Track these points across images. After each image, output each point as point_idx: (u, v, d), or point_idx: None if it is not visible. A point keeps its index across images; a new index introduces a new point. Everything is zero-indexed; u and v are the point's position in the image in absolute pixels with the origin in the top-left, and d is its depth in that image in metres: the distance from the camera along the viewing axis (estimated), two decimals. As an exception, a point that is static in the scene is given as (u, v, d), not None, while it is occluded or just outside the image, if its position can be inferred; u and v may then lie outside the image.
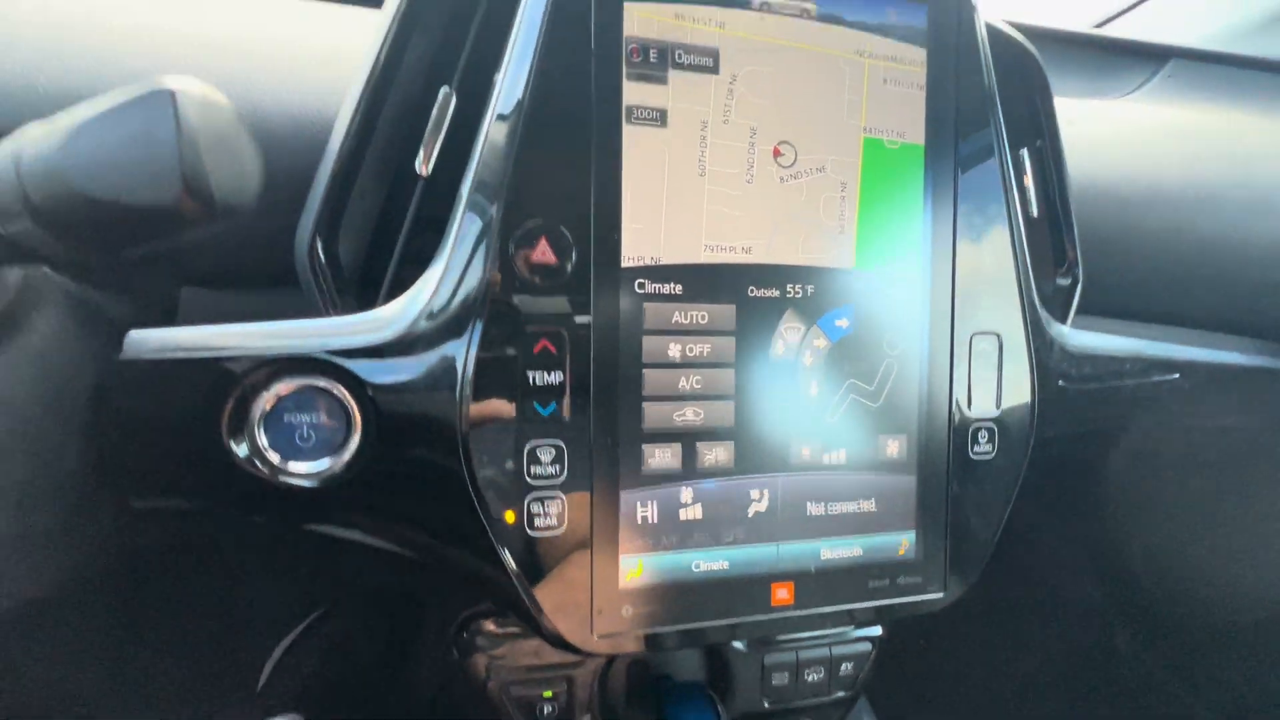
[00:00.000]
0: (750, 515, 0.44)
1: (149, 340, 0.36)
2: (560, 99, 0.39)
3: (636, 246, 0.40)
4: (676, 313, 0.41)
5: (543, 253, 0.39)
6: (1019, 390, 0.49)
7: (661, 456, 0.42)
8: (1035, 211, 0.53)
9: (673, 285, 0.41)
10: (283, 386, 0.38)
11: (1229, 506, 0.77)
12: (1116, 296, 0.64)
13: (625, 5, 0.40)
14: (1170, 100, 0.84)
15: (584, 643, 0.41)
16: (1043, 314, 0.51)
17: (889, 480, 0.46)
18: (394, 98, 0.41)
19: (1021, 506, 0.51)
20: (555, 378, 0.39)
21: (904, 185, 0.46)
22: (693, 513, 0.43)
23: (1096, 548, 0.86)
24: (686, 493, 0.42)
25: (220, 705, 0.65)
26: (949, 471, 0.47)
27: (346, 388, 0.38)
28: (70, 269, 0.30)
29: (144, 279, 0.37)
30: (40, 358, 0.33)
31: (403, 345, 0.38)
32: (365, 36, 0.47)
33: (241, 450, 0.37)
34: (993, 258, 0.48)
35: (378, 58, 0.40)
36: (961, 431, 0.48)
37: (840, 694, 0.56)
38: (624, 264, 0.40)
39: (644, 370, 0.41)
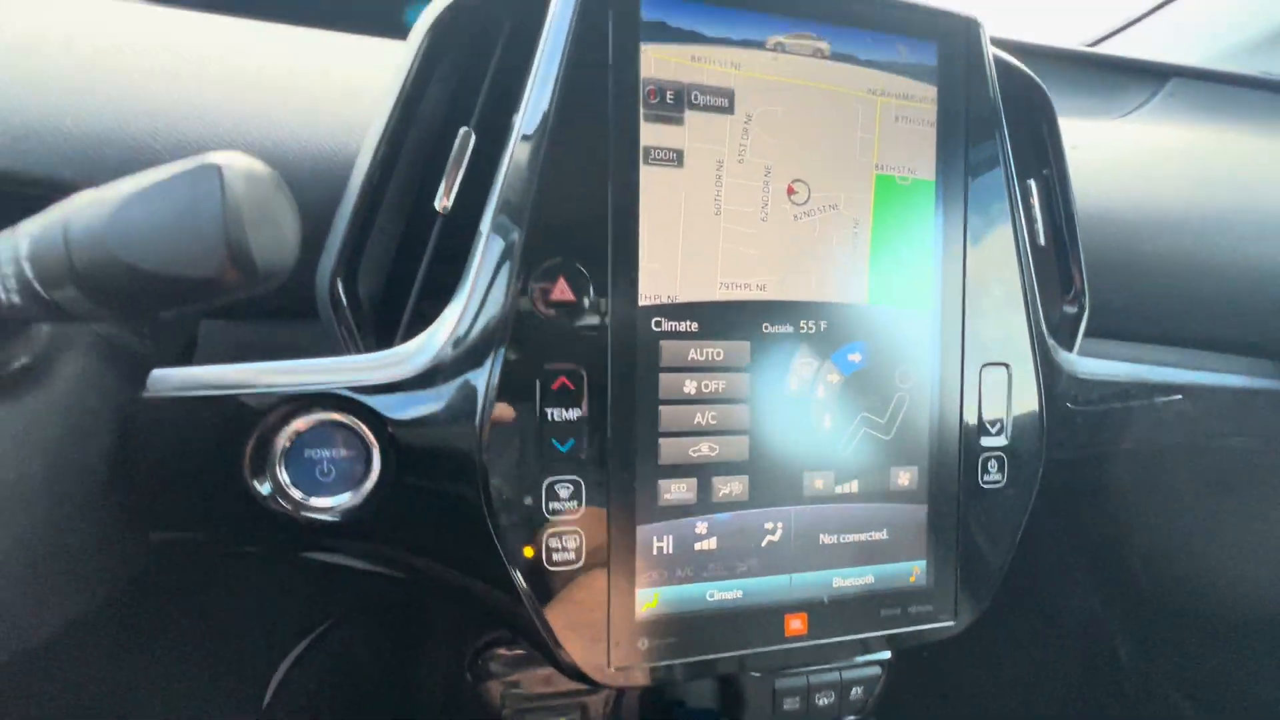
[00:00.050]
0: (764, 546, 0.44)
1: (172, 379, 0.37)
2: (578, 140, 0.39)
3: (653, 285, 0.41)
4: (692, 350, 0.42)
5: (561, 291, 0.39)
6: (1028, 419, 0.50)
7: (677, 490, 0.42)
8: (1042, 240, 0.54)
9: (689, 323, 0.42)
10: (305, 423, 0.38)
11: (1235, 524, 0.78)
12: (1123, 320, 0.65)
13: (642, 47, 0.40)
14: (1172, 120, 0.85)
15: (600, 674, 0.42)
16: (1051, 343, 0.51)
17: (900, 510, 0.47)
18: (413, 137, 0.42)
19: (1030, 528, 0.51)
20: (573, 414, 0.40)
21: (915, 221, 0.46)
22: (708, 544, 0.43)
23: (1104, 567, 0.87)
24: (702, 525, 0.43)
25: (226, 720, 0.66)
26: (959, 500, 0.48)
27: (367, 424, 0.39)
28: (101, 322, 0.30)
29: (166, 317, 0.38)
30: (67, 399, 0.34)
31: (423, 382, 0.39)
32: (384, 68, 0.48)
33: (264, 488, 0.38)
34: (1002, 290, 0.48)
35: (398, 99, 0.40)
36: (972, 461, 0.48)
37: (851, 718, 0.56)
38: (641, 302, 0.41)
39: (660, 406, 0.42)
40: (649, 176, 0.41)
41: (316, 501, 0.39)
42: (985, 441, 0.48)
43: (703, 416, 0.42)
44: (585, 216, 0.40)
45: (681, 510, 0.42)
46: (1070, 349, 0.55)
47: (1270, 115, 0.87)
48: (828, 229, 0.44)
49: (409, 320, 0.43)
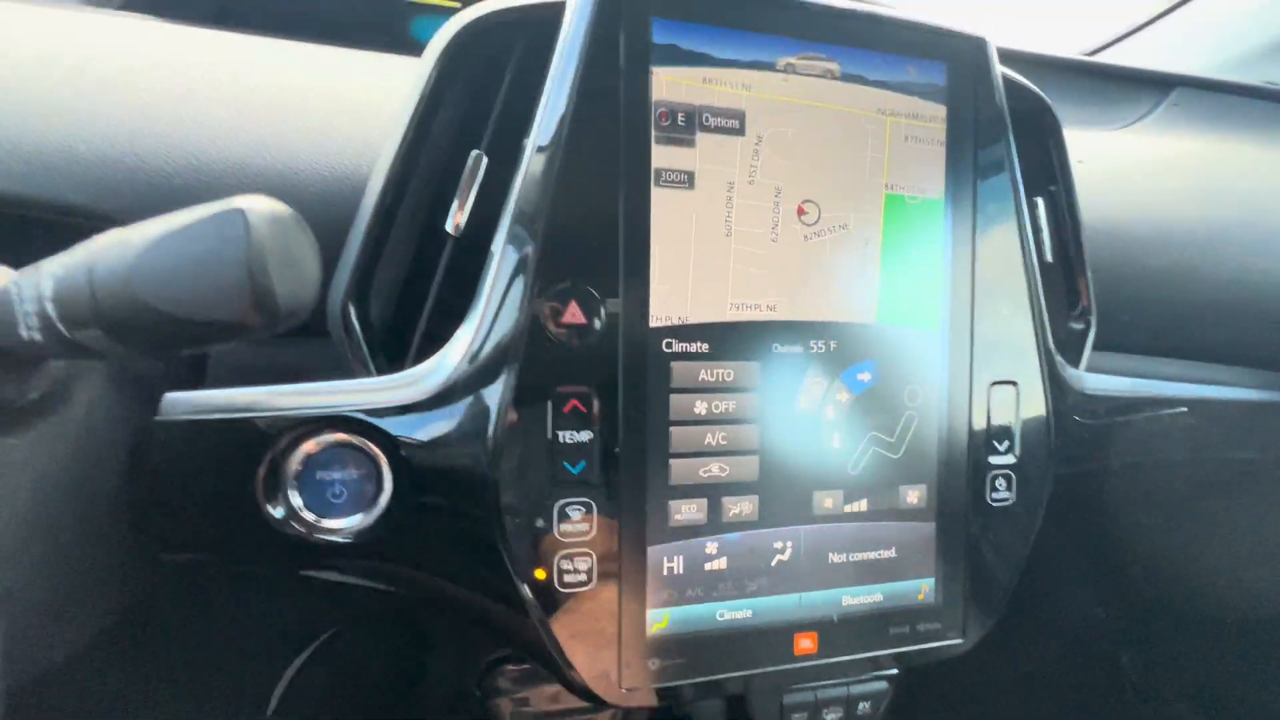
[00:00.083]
0: (774, 565, 0.44)
1: (184, 402, 0.37)
2: (590, 163, 0.40)
3: (664, 306, 0.41)
4: (703, 370, 0.42)
5: (572, 314, 0.39)
6: (1036, 436, 0.50)
7: (688, 511, 0.42)
8: (1050, 257, 0.54)
9: (699, 344, 0.42)
10: (316, 445, 0.38)
11: (1235, 529, 0.78)
12: (1129, 333, 0.65)
13: (654, 70, 0.40)
14: (1176, 131, 0.85)
15: (610, 695, 0.42)
16: (1059, 360, 0.51)
17: (909, 528, 0.47)
18: (425, 160, 0.42)
19: (1037, 543, 0.51)
20: (584, 436, 0.40)
21: (925, 240, 0.46)
22: (718, 564, 0.43)
23: (1105, 574, 0.87)
24: (712, 545, 0.43)
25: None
26: (968, 518, 0.48)
27: (379, 445, 0.39)
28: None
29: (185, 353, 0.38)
30: (81, 426, 0.34)
31: (435, 404, 0.39)
32: (393, 86, 0.48)
33: (278, 512, 0.38)
34: (1010, 308, 0.49)
35: (411, 121, 0.41)
36: (980, 478, 0.48)
37: (859, 733, 0.56)
38: (652, 324, 0.41)
39: (671, 427, 0.42)
40: (660, 198, 0.41)
41: (329, 523, 0.39)
42: (993, 459, 0.49)
43: (713, 437, 0.42)
44: (597, 239, 0.40)
45: (692, 530, 0.42)
46: (1077, 365, 0.55)
47: (1275, 126, 0.87)
48: (838, 249, 0.45)
49: (420, 341, 0.43)
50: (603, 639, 0.41)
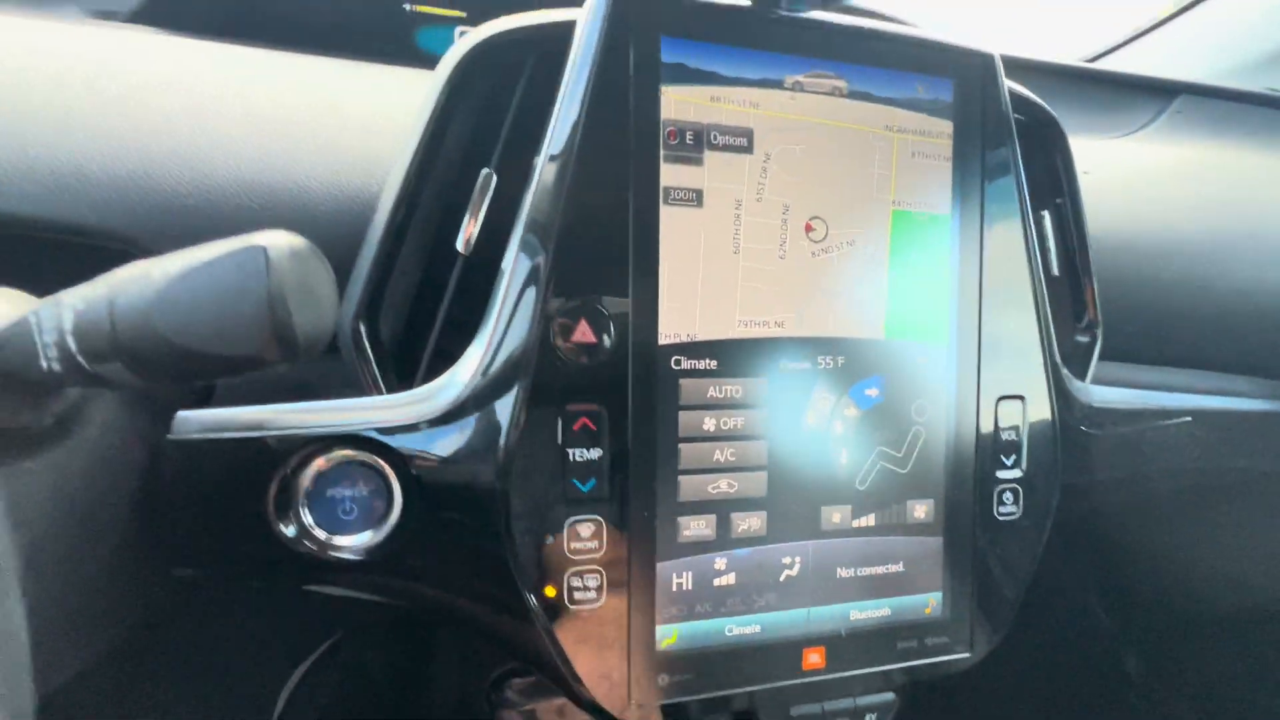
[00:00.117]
0: (782, 581, 0.45)
1: (196, 420, 0.37)
2: (599, 181, 0.40)
3: (673, 324, 0.41)
4: (711, 387, 0.42)
5: (582, 333, 0.40)
6: (1043, 451, 0.50)
7: (697, 527, 0.42)
8: (1056, 270, 0.54)
9: (708, 361, 0.42)
10: (328, 463, 0.38)
11: (1237, 534, 0.78)
12: (1134, 343, 0.65)
13: (663, 89, 0.41)
14: (1180, 139, 0.85)
15: (620, 710, 0.42)
16: (1065, 373, 0.52)
17: (916, 542, 0.47)
18: (435, 179, 0.42)
19: (1043, 552, 0.51)
20: (594, 454, 0.40)
21: (932, 256, 0.46)
22: (727, 580, 0.43)
23: (1108, 580, 0.87)
24: (721, 561, 0.43)
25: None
26: (975, 532, 0.48)
27: (389, 463, 0.39)
28: None
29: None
30: (95, 448, 0.34)
31: (445, 423, 0.39)
32: (401, 99, 0.48)
33: (290, 530, 0.38)
34: (1017, 323, 0.49)
35: (421, 139, 0.41)
36: (987, 493, 0.49)
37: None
38: (661, 341, 0.41)
39: (680, 444, 0.42)
40: (669, 217, 0.41)
41: (340, 540, 0.39)
42: (1000, 474, 0.49)
43: (722, 453, 0.43)
44: (606, 257, 0.40)
45: (701, 546, 0.43)
46: (1083, 377, 0.55)
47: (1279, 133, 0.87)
48: (845, 265, 0.45)
49: (430, 359, 0.43)
50: (612, 655, 0.41)
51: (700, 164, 0.41)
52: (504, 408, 0.39)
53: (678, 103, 0.41)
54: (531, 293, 0.39)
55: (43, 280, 0.34)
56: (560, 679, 0.41)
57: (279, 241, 0.21)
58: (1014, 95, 0.50)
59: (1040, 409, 0.50)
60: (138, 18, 0.58)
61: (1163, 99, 0.91)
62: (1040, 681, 0.94)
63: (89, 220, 0.37)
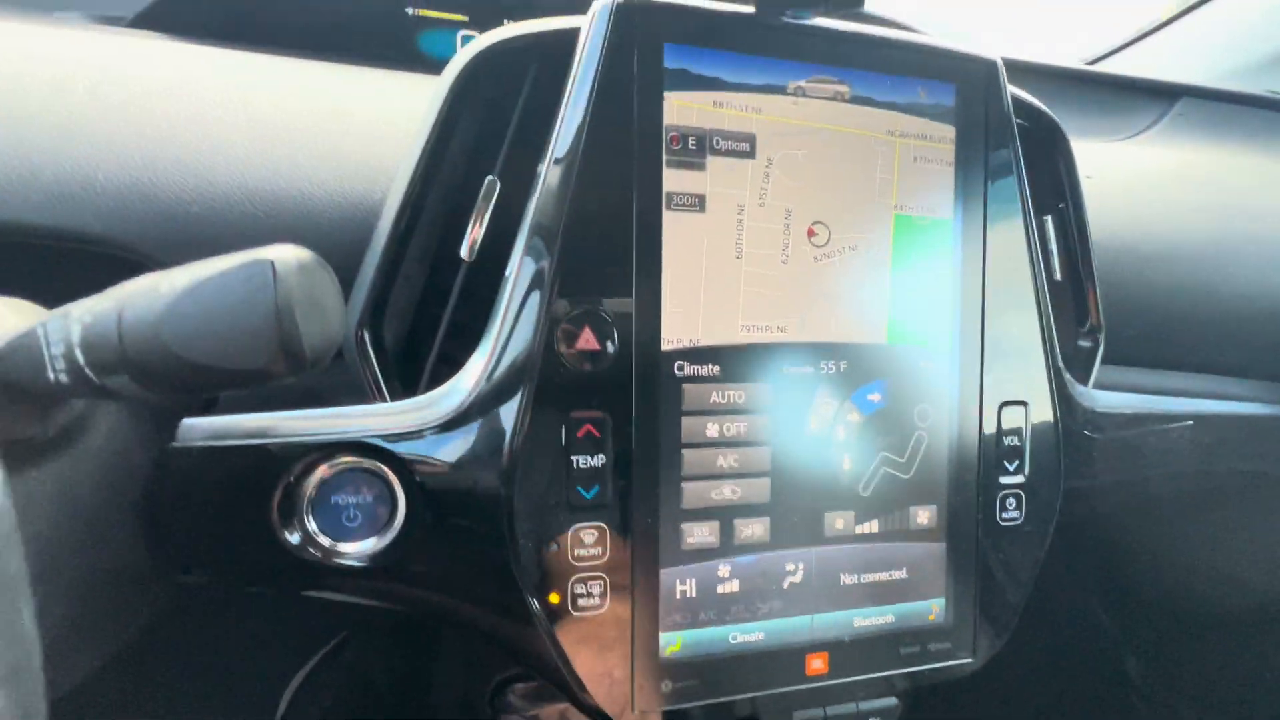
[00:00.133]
0: (785, 587, 0.45)
1: (201, 428, 0.37)
2: (602, 187, 0.40)
3: (675, 329, 0.41)
4: (714, 393, 0.42)
5: (586, 339, 0.40)
6: (1046, 456, 0.50)
7: (700, 534, 0.42)
8: (1059, 275, 0.54)
9: (711, 366, 0.42)
10: (331, 470, 0.38)
11: (1238, 536, 0.78)
12: (1137, 347, 0.65)
13: (666, 95, 0.41)
14: (1182, 142, 0.85)
15: (623, 717, 0.42)
16: (1068, 378, 0.52)
17: (919, 548, 0.47)
18: (438, 186, 0.42)
19: (1046, 555, 0.51)
20: (598, 461, 0.40)
21: (934, 260, 0.46)
22: (730, 587, 0.43)
23: (1110, 581, 0.87)
24: (724, 568, 0.43)
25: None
26: (978, 538, 0.48)
27: (393, 470, 0.39)
28: None
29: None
30: (101, 456, 0.34)
31: (449, 430, 0.39)
32: (404, 105, 0.48)
33: (294, 538, 0.38)
34: (1020, 328, 0.49)
35: (425, 147, 0.41)
36: (990, 498, 0.49)
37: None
38: (664, 347, 0.41)
39: (683, 450, 0.42)
40: (671, 222, 0.41)
41: (344, 548, 0.39)
42: (1003, 479, 0.49)
43: (725, 459, 0.43)
44: (609, 263, 0.40)
45: (704, 553, 0.43)
46: (1086, 382, 0.55)
47: (1280, 136, 0.87)
48: (848, 270, 0.45)
49: (433, 366, 0.43)
50: (616, 661, 0.41)
51: (703, 169, 0.41)
52: (508, 414, 0.39)
53: (680, 108, 0.41)
54: (535, 299, 0.39)
55: (47, 288, 0.34)
56: (564, 685, 0.41)
57: (286, 255, 0.21)
58: (1016, 100, 0.50)
59: (1043, 414, 0.50)
60: (141, 23, 0.58)
61: (1164, 102, 0.90)
62: (1042, 683, 0.94)
63: (93, 228, 0.37)
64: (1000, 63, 0.47)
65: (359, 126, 0.47)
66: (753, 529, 0.43)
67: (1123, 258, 0.63)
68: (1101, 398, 0.54)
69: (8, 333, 0.24)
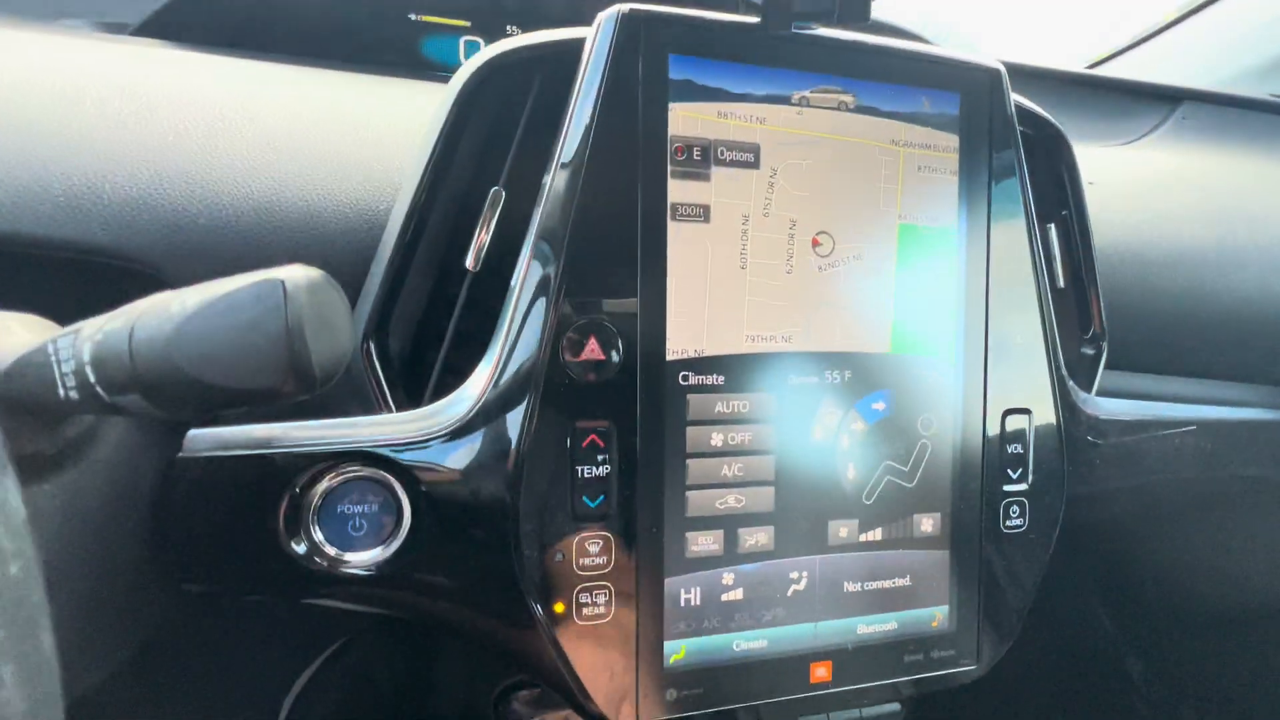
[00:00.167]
0: (789, 595, 0.45)
1: (208, 438, 0.37)
2: (607, 198, 0.40)
3: (680, 340, 0.41)
4: (719, 403, 0.42)
5: (591, 350, 0.40)
6: (1049, 463, 0.50)
7: (704, 542, 0.43)
8: (1062, 283, 0.54)
9: (715, 376, 0.42)
10: (339, 480, 0.39)
11: (1239, 538, 0.78)
12: (1139, 352, 0.65)
13: (671, 105, 0.41)
14: (1185, 147, 0.85)
15: (628, 725, 0.42)
16: (1071, 386, 0.52)
17: (923, 556, 0.47)
18: (443, 197, 0.42)
19: (1049, 560, 0.52)
20: (603, 470, 0.40)
21: (938, 269, 0.47)
22: (734, 595, 0.44)
23: (1112, 584, 0.87)
24: (728, 576, 0.43)
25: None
26: (982, 545, 0.48)
27: (399, 480, 0.39)
28: None
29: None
30: (108, 467, 0.34)
31: (454, 440, 0.39)
32: (410, 112, 0.49)
33: (301, 548, 0.38)
34: (1023, 335, 0.49)
35: (430, 158, 0.41)
36: (994, 506, 0.49)
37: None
38: (668, 357, 0.41)
39: (687, 460, 0.42)
40: (676, 232, 0.41)
41: (350, 557, 0.39)
42: (1007, 487, 0.49)
43: (729, 468, 0.43)
44: (614, 274, 0.40)
45: (709, 562, 0.43)
46: (1089, 389, 0.55)
47: (1283, 140, 0.87)
48: (852, 279, 0.45)
49: (438, 376, 0.43)
50: (620, 669, 0.41)
51: (707, 180, 0.42)
52: (513, 424, 0.39)
53: (685, 119, 0.41)
54: (540, 309, 0.39)
55: (55, 300, 0.34)
56: (568, 693, 0.42)
57: (296, 275, 0.22)
58: (1020, 108, 0.51)
59: (1046, 422, 0.50)
60: (145, 30, 0.58)
61: (1166, 106, 0.90)
62: (1043, 686, 0.94)
63: (101, 240, 0.37)
64: (1004, 71, 0.47)
65: (364, 135, 0.48)
66: (757, 537, 0.44)
67: (1125, 262, 0.63)
68: (1104, 404, 0.54)
69: (18, 349, 0.25)
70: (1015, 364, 0.49)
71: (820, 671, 0.45)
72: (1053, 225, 0.53)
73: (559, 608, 0.40)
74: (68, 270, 0.37)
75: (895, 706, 0.57)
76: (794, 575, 0.45)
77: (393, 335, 0.42)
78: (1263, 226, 0.70)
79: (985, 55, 0.48)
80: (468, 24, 0.67)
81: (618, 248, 0.40)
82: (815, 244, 0.44)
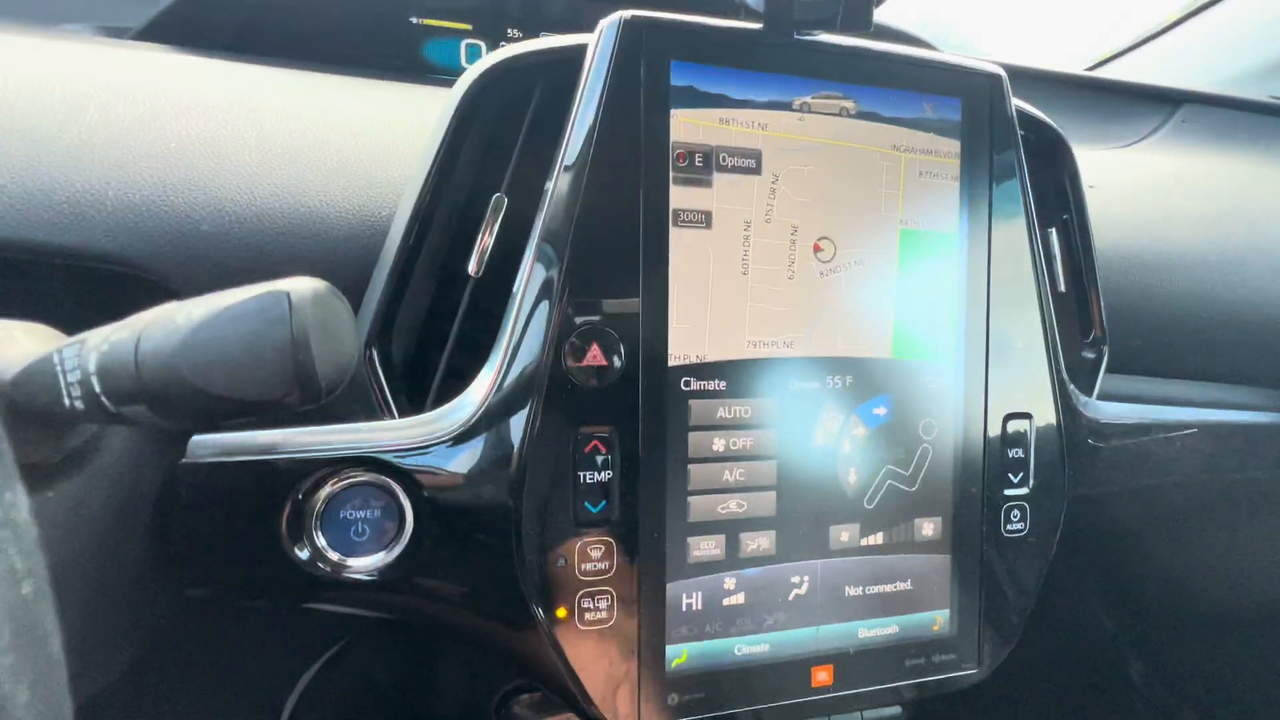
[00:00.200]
0: (791, 599, 0.45)
1: (211, 444, 0.37)
2: (609, 204, 0.40)
3: (682, 345, 0.41)
4: (721, 408, 0.42)
5: (593, 355, 0.40)
6: (1050, 468, 0.50)
7: (706, 547, 0.43)
8: (1063, 287, 0.54)
9: (717, 382, 0.42)
10: (342, 486, 0.39)
11: (1240, 539, 0.78)
12: (1140, 356, 0.65)
13: (672, 112, 0.41)
14: (1185, 150, 0.85)
15: (630, 729, 0.42)
16: (1072, 390, 0.52)
17: (924, 560, 0.47)
18: (445, 204, 0.42)
19: (1051, 568, 0.52)
20: (605, 476, 0.40)
21: (940, 274, 0.47)
22: (736, 599, 0.44)
23: (1113, 587, 0.87)
24: (730, 580, 0.43)
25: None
26: (983, 550, 0.48)
27: (401, 485, 0.39)
28: None
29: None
30: (112, 474, 0.35)
31: (456, 445, 0.39)
32: (412, 116, 0.49)
33: (304, 554, 0.38)
34: (1024, 340, 0.49)
35: (433, 164, 0.41)
36: (995, 510, 0.49)
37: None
38: (670, 363, 0.41)
39: (689, 465, 0.42)
40: (678, 238, 0.41)
41: (353, 562, 0.39)
42: (1008, 491, 0.49)
43: (731, 474, 0.43)
44: (616, 280, 0.40)
45: (710, 566, 0.43)
46: (1090, 393, 0.55)
47: (1283, 142, 0.87)
48: (853, 285, 0.45)
49: (440, 381, 0.43)
50: (622, 674, 0.42)
51: (709, 186, 0.42)
52: (515, 429, 0.39)
53: (687, 125, 0.41)
54: (542, 315, 0.39)
55: (58, 307, 0.35)
56: (570, 697, 0.42)
57: (301, 287, 0.22)
58: (1021, 113, 0.51)
59: (1047, 426, 0.50)
60: (147, 34, 0.58)
61: (1167, 108, 0.91)
62: (1044, 688, 0.95)
63: (104, 247, 0.37)
64: (1005, 76, 0.48)
65: (366, 140, 0.48)
66: (758, 542, 0.44)
67: (1125, 265, 0.63)
68: (1105, 408, 0.54)
69: (24, 358, 0.25)
70: (1016, 368, 0.49)
71: (822, 675, 0.45)
72: (1053, 229, 0.53)
73: (561, 612, 0.40)
74: (71, 277, 0.37)
75: (896, 710, 0.57)
76: (795, 579, 0.45)
77: (395, 341, 0.42)
78: (1263, 229, 0.70)
79: (985, 59, 0.48)
80: (469, 27, 0.68)
81: (620, 254, 0.40)
82: (817, 249, 0.44)
